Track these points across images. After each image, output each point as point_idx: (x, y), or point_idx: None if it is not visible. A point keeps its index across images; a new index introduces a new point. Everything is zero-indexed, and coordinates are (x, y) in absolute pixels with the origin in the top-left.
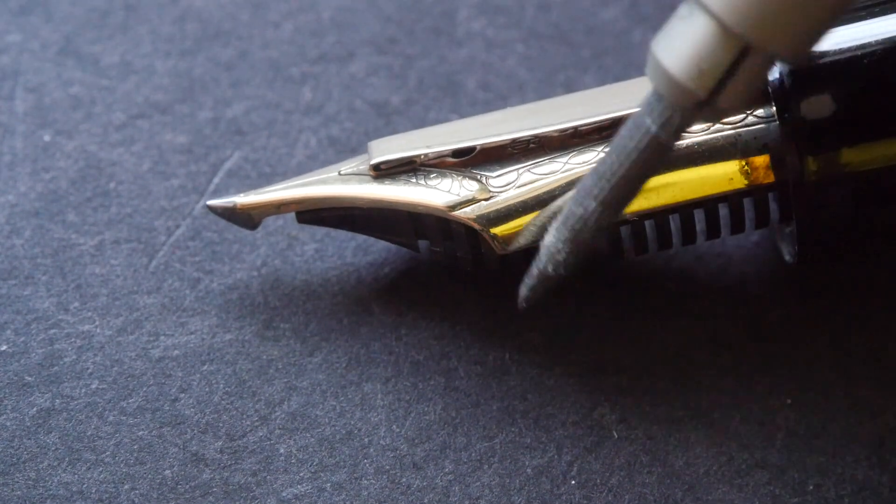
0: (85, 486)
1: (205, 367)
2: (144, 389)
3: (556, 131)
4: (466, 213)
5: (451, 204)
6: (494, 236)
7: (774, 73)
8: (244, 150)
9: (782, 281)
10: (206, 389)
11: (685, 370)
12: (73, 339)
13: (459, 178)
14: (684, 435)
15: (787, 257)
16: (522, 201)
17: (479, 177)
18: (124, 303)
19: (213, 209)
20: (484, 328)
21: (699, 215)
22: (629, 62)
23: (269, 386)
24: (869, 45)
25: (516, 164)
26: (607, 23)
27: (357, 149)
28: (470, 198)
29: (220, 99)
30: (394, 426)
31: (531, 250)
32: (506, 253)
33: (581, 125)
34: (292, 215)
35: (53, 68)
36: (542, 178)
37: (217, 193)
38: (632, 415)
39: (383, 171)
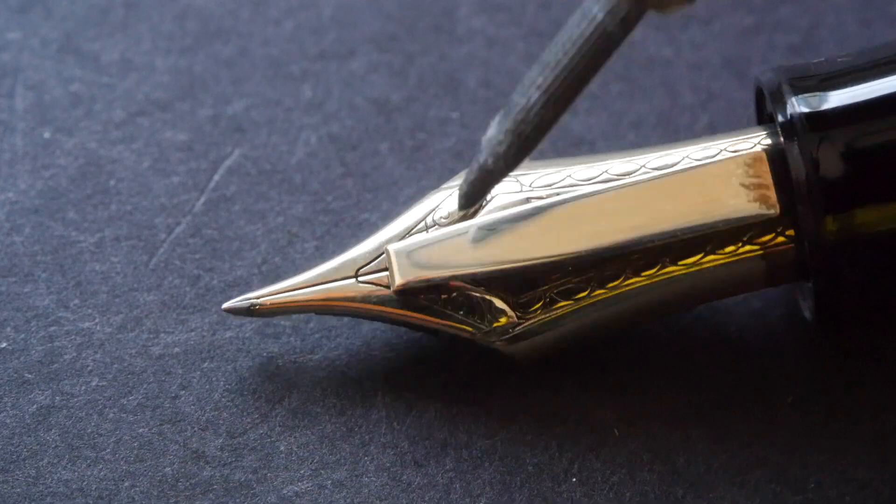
0: (85, 483)
1: (205, 365)
2: (144, 387)
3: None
4: (498, 344)
5: (479, 331)
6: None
7: (790, 129)
8: (244, 147)
9: None
10: (207, 387)
11: (686, 368)
12: (73, 337)
13: (487, 302)
14: (685, 433)
15: (806, 314)
16: (555, 331)
17: (505, 298)
18: (124, 300)
19: (228, 311)
20: None
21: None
22: (629, 59)
23: (270, 383)
24: (890, 96)
25: (543, 285)
26: None
27: (357, 146)
28: (499, 329)
29: (221, 96)
30: (394, 423)
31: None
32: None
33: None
34: None
35: (53, 66)
36: (570, 303)
37: (217, 191)
38: (633, 413)
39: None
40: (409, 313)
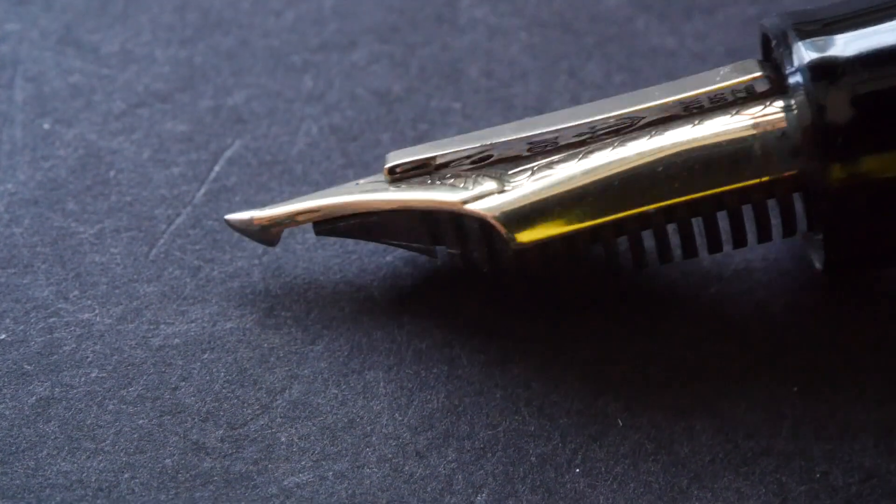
0: (84, 474)
1: (205, 356)
2: (144, 378)
3: (572, 130)
4: (479, 206)
5: (464, 199)
6: (508, 227)
7: (796, 76)
8: (245, 138)
9: (788, 269)
10: (207, 378)
11: (690, 358)
12: (72, 328)
13: (474, 177)
14: (689, 423)
15: (816, 265)
16: (536, 193)
17: (494, 175)
18: (124, 291)
19: (230, 224)
20: (487, 316)
21: (724, 221)
22: (632, 50)
23: (271, 374)
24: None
25: (531, 163)
26: (610, 10)
27: (358, 137)
28: (484, 193)
29: (221, 87)
30: (396, 414)
31: (547, 246)
32: (520, 248)
33: (596, 122)
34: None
35: (53, 57)
36: (556, 172)
37: (218, 182)
38: (636, 403)
39: (398, 175)
40: (401, 192)
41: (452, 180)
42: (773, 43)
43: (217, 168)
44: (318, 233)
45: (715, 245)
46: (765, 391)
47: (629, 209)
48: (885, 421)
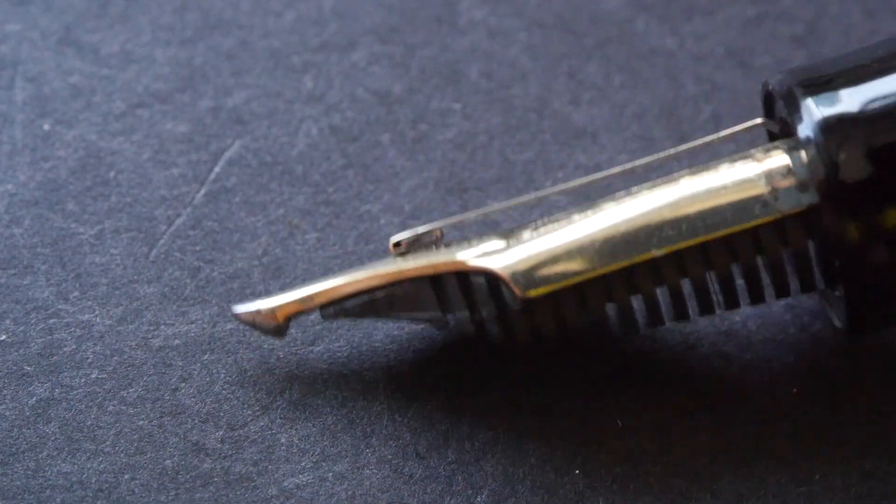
0: (85, 475)
1: (205, 357)
2: (144, 379)
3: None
4: (483, 261)
5: (468, 256)
6: (514, 278)
7: (807, 131)
8: (245, 139)
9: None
10: (207, 379)
11: (690, 360)
12: (72, 329)
13: (479, 238)
14: (689, 424)
15: (836, 323)
16: (541, 243)
17: (498, 234)
18: (124, 292)
19: (238, 317)
20: None
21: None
22: (632, 51)
23: (271, 375)
24: None
25: (535, 220)
26: (610, 11)
27: (358, 137)
28: (489, 250)
29: (221, 88)
30: (396, 415)
31: (559, 305)
32: (529, 297)
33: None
34: None
35: (53, 57)
36: (562, 224)
37: (218, 183)
38: (636, 404)
39: (403, 249)
40: (406, 262)
41: (456, 245)
42: (779, 102)
43: (217, 169)
44: (325, 317)
45: (731, 300)
46: (764, 392)
47: (638, 255)
48: (885, 422)
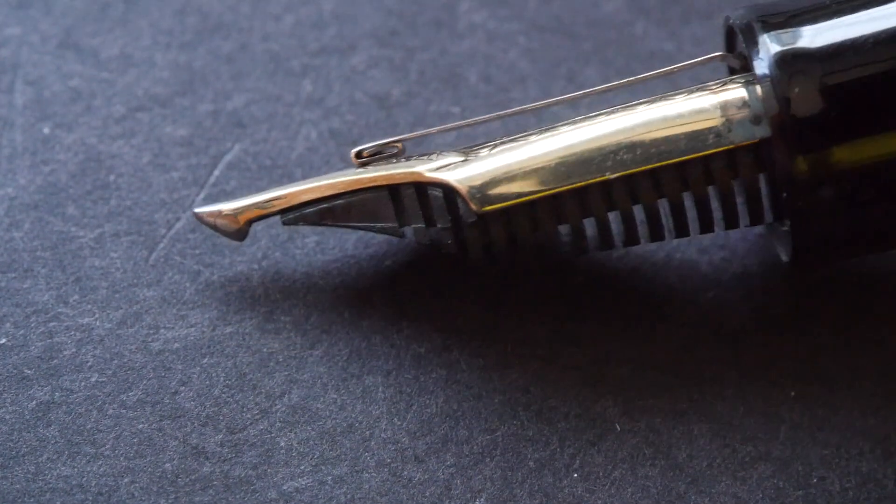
0: (85, 479)
1: (205, 360)
2: (144, 382)
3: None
4: (441, 174)
5: (426, 168)
6: (470, 192)
7: (763, 66)
8: (244, 142)
9: (785, 274)
10: (207, 382)
11: (688, 362)
12: (72, 332)
13: (437, 153)
14: (687, 427)
15: (783, 257)
16: (498, 160)
17: (457, 151)
18: (124, 296)
19: (198, 217)
20: (486, 321)
21: (690, 204)
22: (631, 54)
23: (270, 379)
24: (860, 36)
25: (495, 140)
26: (609, 15)
27: (358, 141)
28: (447, 164)
29: (221, 91)
30: (395, 419)
31: (511, 221)
32: (484, 212)
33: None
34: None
35: (53, 61)
36: (520, 144)
37: (217, 186)
38: (634, 407)
39: (365, 159)
40: (366, 172)
41: (416, 158)
42: (739, 36)
43: (217, 172)
44: (285, 222)
45: (682, 229)
46: (762, 396)
47: (591, 177)
48: (882, 426)
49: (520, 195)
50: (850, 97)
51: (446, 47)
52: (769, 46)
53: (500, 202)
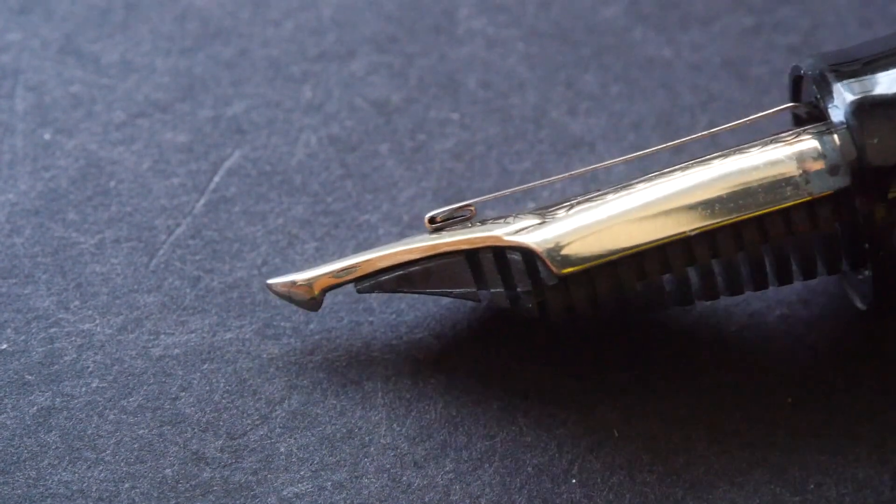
0: (85, 484)
1: (205, 366)
2: (145, 388)
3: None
4: (519, 237)
5: (504, 233)
6: (550, 254)
7: (839, 115)
8: (244, 148)
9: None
10: (207, 388)
11: (686, 369)
12: (73, 338)
13: (514, 216)
14: (685, 434)
15: (858, 305)
16: (576, 221)
17: (534, 213)
18: (124, 301)
19: (272, 289)
20: (485, 327)
21: (768, 257)
22: (630, 60)
23: (270, 384)
24: None
25: (571, 201)
26: (608, 21)
27: (357, 147)
28: (524, 227)
29: (221, 97)
30: (394, 425)
31: (589, 273)
32: (565, 274)
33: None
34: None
35: (54, 67)
36: (596, 203)
37: (217, 192)
38: (632, 414)
39: (439, 224)
40: (442, 237)
41: (492, 222)
42: (813, 85)
43: (217, 178)
44: (360, 291)
45: (760, 280)
46: (760, 402)
47: (671, 233)
48: (879, 432)
49: (600, 256)
50: None
51: (445, 53)
52: (844, 95)
53: (581, 264)
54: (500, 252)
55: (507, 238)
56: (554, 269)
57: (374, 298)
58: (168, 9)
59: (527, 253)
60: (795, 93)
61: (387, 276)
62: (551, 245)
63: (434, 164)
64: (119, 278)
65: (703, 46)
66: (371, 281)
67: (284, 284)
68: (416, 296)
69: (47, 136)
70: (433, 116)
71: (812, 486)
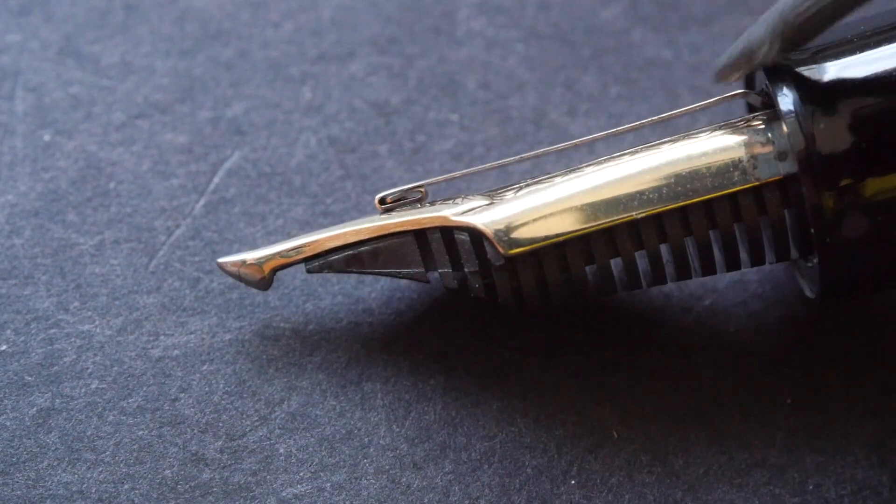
0: (85, 485)
1: (204, 367)
2: (144, 389)
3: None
4: (467, 217)
5: (452, 213)
6: (497, 235)
7: (788, 103)
8: (244, 149)
9: (782, 281)
10: (206, 389)
11: (685, 370)
12: (72, 339)
13: (462, 197)
14: (684, 434)
15: (808, 293)
16: (525, 202)
17: (482, 194)
18: (124, 302)
19: (222, 267)
20: (484, 328)
21: (717, 243)
22: (629, 62)
23: (269, 385)
24: (883, 71)
25: (521, 183)
26: (607, 22)
27: (357, 148)
28: (473, 207)
29: (220, 98)
30: (394, 426)
31: (537, 255)
32: (512, 255)
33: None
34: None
35: (53, 68)
36: (545, 185)
37: (217, 193)
38: (631, 415)
39: (389, 205)
40: (391, 217)
41: (441, 203)
42: (760, 73)
43: (216, 179)
44: (309, 270)
45: (708, 266)
46: (759, 403)
47: (618, 216)
48: (878, 433)
49: (547, 237)
50: (875, 132)
51: (445, 55)
52: (793, 83)
53: (528, 245)
54: (448, 232)
55: (454, 218)
56: (501, 249)
57: (374, 299)
58: (168, 10)
59: (474, 233)
60: (749, 81)
61: (336, 256)
62: (499, 226)
63: (433, 165)
64: (119, 279)
65: (702, 47)
66: (321, 261)
67: (235, 264)
68: (416, 296)
69: (47, 138)
70: (433, 117)
71: (811, 487)
